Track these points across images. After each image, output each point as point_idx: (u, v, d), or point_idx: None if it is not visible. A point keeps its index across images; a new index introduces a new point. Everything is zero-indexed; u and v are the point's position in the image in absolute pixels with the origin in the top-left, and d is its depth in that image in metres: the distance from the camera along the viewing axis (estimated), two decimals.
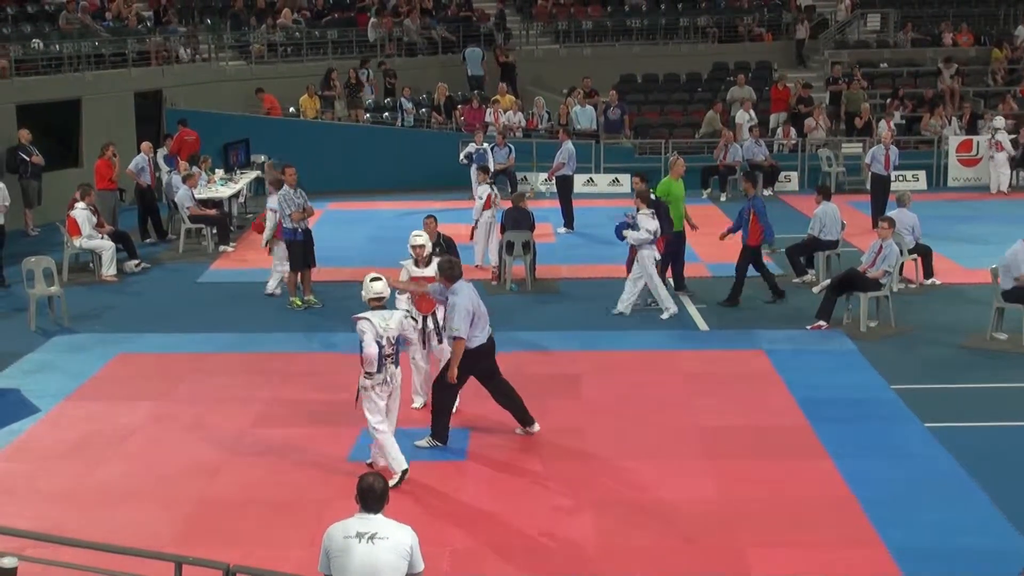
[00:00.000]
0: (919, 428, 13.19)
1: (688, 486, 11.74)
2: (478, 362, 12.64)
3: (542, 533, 10.79)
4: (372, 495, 7.75)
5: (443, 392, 12.71)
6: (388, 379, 11.71)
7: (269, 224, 19.04)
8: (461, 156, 26.86)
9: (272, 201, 18.95)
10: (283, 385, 14.98)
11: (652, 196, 18.08)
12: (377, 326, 11.53)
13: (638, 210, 17.55)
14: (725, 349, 16.27)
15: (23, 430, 13.51)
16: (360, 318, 11.62)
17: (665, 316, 17.67)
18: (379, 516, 7.75)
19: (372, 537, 7.61)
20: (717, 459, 12.32)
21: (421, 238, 14.21)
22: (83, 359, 16.10)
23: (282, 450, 12.77)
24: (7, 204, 20.65)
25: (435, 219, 16.63)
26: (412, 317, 12.75)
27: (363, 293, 11.89)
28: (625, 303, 17.84)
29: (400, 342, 11.90)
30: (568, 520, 11.06)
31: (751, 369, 15.37)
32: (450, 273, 12.61)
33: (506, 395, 13.00)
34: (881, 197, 23.91)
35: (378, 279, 11.89)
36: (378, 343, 11.51)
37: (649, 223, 17.37)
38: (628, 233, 17.46)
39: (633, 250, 17.71)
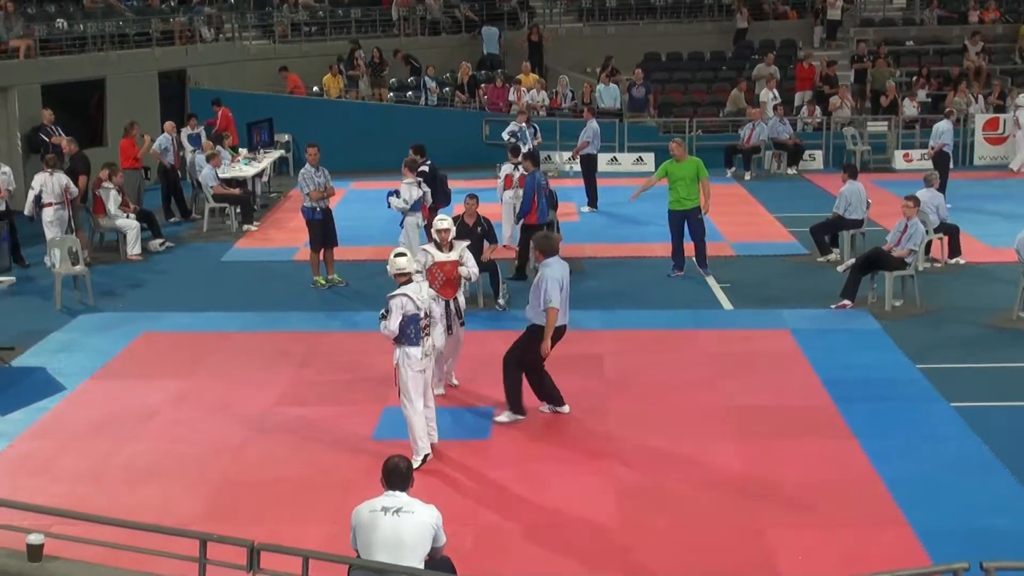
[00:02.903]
0: (945, 408, 13.12)
1: (712, 466, 11.72)
2: (537, 336, 12.61)
3: (565, 511, 10.79)
4: (397, 474, 7.94)
5: (515, 367, 12.73)
6: (427, 352, 11.80)
7: (29, 198, 20.03)
8: (505, 135, 26.62)
9: (36, 181, 19.95)
10: (307, 364, 15.00)
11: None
12: (415, 299, 11.60)
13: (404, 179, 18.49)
14: (749, 328, 16.22)
15: (49, 408, 13.59)
16: (395, 295, 11.64)
17: None
18: (405, 494, 7.89)
19: (398, 511, 7.79)
20: (741, 439, 12.28)
21: (446, 222, 13.96)
22: (108, 338, 16.17)
23: (306, 428, 12.81)
24: (11, 189, 20.38)
25: (476, 199, 16.72)
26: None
27: (388, 268, 11.96)
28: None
29: (432, 313, 12.00)
30: (591, 499, 11.05)
31: (775, 348, 15.32)
32: (546, 246, 12.72)
33: (541, 378, 12.97)
34: (947, 173, 23.69)
35: (402, 254, 11.96)
36: (417, 315, 11.57)
37: (408, 192, 18.13)
38: (392, 200, 18.36)
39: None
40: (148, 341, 16.08)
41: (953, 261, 19.47)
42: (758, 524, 10.46)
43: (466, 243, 14.12)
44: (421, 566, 7.78)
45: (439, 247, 13.77)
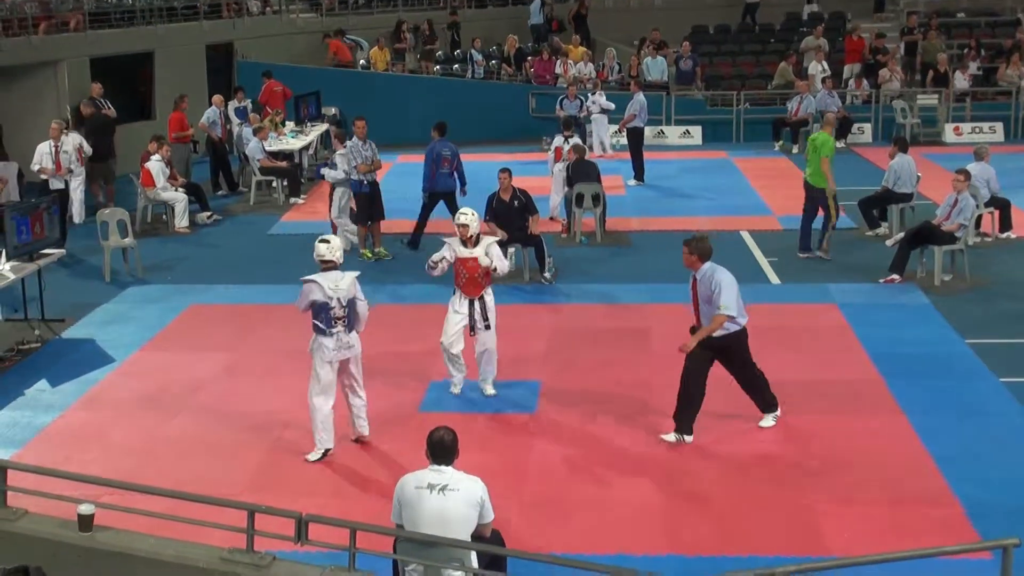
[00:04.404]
0: (994, 383, 13.01)
1: (758, 441, 11.68)
2: (742, 341, 11.85)
3: (611, 486, 10.79)
4: (442, 447, 7.88)
5: (692, 379, 11.76)
6: (341, 344, 11.28)
7: None
8: (606, 104, 26.58)
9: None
10: None
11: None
12: (325, 288, 11.11)
13: (335, 151, 19.05)
14: (797, 303, 16.13)
15: (98, 380, 13.73)
16: (307, 280, 11.21)
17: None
18: (450, 468, 7.84)
19: (443, 488, 7.72)
20: (788, 414, 12.20)
21: (465, 216, 12.76)
22: (156, 310, 16.30)
23: None
24: (72, 168, 20.72)
25: (509, 172, 16.70)
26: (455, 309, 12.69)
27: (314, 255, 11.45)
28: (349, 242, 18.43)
29: (353, 305, 11.30)
30: (637, 474, 11.04)
31: (823, 323, 15.23)
32: (703, 250, 11.74)
33: (751, 383, 12.08)
34: None
35: (325, 241, 11.39)
36: (327, 304, 11.12)
37: (345, 162, 18.50)
38: (325, 171, 18.84)
39: None
40: (196, 313, 16.20)
41: (1004, 235, 19.28)
42: (806, 499, 10.41)
43: (494, 239, 13.11)
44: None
45: (463, 243, 12.69)
